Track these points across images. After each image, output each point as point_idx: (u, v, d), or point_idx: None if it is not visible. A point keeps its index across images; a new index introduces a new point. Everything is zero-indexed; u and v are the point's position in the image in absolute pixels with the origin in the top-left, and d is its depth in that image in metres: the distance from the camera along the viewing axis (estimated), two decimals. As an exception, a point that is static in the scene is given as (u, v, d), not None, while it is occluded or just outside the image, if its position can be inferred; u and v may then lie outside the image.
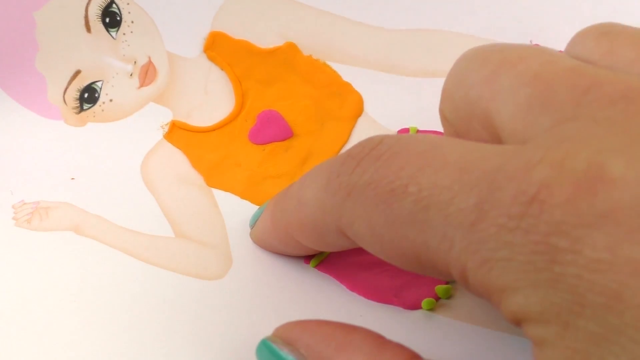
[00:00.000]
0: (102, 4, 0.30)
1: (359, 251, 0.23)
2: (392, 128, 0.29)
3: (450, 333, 0.23)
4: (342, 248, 0.22)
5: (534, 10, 0.30)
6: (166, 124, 0.30)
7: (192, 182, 0.29)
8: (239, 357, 0.23)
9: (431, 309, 0.24)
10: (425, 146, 0.19)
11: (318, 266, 0.25)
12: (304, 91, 0.30)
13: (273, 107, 0.30)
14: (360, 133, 0.30)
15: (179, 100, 0.31)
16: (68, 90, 0.31)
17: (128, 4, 0.31)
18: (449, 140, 0.19)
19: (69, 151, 0.30)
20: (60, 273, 0.26)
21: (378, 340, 0.19)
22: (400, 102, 0.30)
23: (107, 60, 0.31)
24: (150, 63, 0.31)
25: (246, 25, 0.31)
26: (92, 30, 0.31)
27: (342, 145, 0.29)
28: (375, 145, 0.20)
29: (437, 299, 0.24)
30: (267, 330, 0.21)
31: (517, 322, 0.17)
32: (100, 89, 0.31)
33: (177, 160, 0.29)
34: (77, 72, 0.31)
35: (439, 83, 0.30)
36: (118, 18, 0.31)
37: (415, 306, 0.24)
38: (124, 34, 0.31)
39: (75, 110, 0.30)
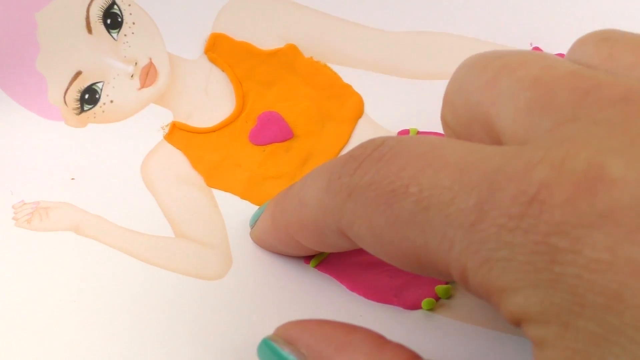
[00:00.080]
0: (104, 5, 0.30)
1: (359, 251, 0.23)
2: (393, 129, 0.29)
3: (450, 333, 0.23)
4: (342, 249, 0.22)
5: (534, 13, 0.31)
6: (167, 125, 0.30)
7: (192, 182, 0.29)
8: (239, 357, 0.23)
9: (431, 309, 0.24)
10: (426, 147, 0.19)
11: (318, 266, 0.25)
12: (305, 93, 0.31)
13: (273, 109, 0.30)
14: (361, 134, 0.30)
15: (179, 102, 0.31)
16: (69, 91, 0.31)
17: (129, 5, 0.31)
18: (449, 141, 0.19)
19: (70, 152, 0.30)
20: (60, 273, 0.26)
21: (378, 340, 0.19)
22: (400, 104, 0.30)
23: (108, 61, 0.31)
24: (151, 64, 0.31)
25: (247, 27, 0.31)
26: (93, 31, 0.31)
27: (342, 147, 0.29)
28: (376, 147, 0.20)
29: (437, 299, 0.24)
30: (267, 330, 0.21)
31: (516, 323, 0.17)
32: (101, 90, 0.31)
33: (177, 160, 0.29)
34: (78, 73, 0.31)
35: (439, 85, 0.30)
36: (119, 19, 0.31)
37: (415, 306, 0.24)
38: (125, 35, 0.31)
39: (75, 111, 0.30)
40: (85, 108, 0.30)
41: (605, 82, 0.17)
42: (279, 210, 0.24)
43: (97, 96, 0.31)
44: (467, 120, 0.20)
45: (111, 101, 0.31)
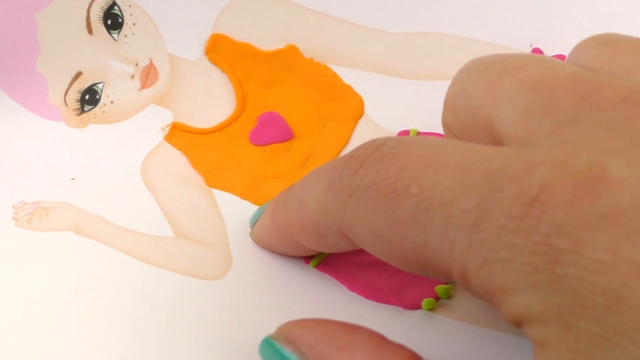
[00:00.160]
0: (104, 6, 0.30)
1: (359, 251, 0.23)
2: (393, 130, 0.29)
3: (450, 333, 0.23)
4: (343, 249, 0.22)
5: (534, 14, 0.31)
6: (167, 126, 0.30)
7: (193, 182, 0.29)
8: (239, 356, 0.23)
9: (431, 309, 0.24)
10: (427, 148, 0.19)
11: (318, 266, 0.25)
12: (305, 93, 0.31)
13: (274, 109, 0.30)
14: (361, 135, 0.30)
15: (179, 102, 0.31)
16: (69, 91, 0.31)
17: (130, 6, 0.31)
18: (450, 142, 0.19)
19: (70, 152, 0.30)
20: (60, 273, 0.26)
21: (379, 340, 0.19)
22: (400, 105, 0.30)
23: (109, 62, 0.31)
24: (151, 65, 0.31)
25: (247, 28, 0.31)
26: (93, 32, 0.31)
27: (343, 147, 0.29)
28: (377, 147, 0.20)
29: (437, 299, 0.24)
30: (267, 330, 0.21)
31: (517, 324, 0.16)
32: (102, 90, 0.31)
33: (177, 160, 0.29)
34: (79, 74, 0.31)
35: (439, 86, 0.30)
36: (120, 20, 0.31)
37: (415, 306, 0.24)
38: (125, 35, 0.31)
39: (76, 112, 0.31)
40: (85, 108, 0.31)
41: (605, 84, 0.18)
42: (279, 211, 0.24)
43: (97, 97, 0.31)
44: (468, 123, 0.20)
45: (111, 102, 0.31)
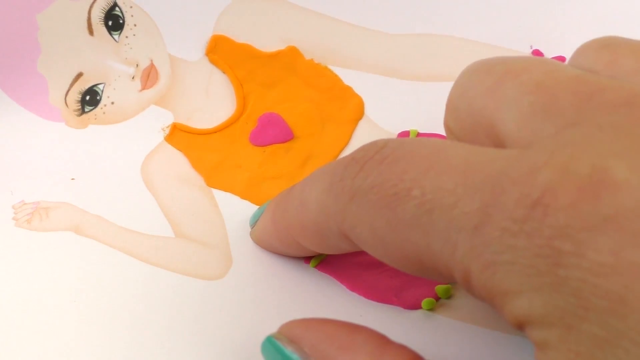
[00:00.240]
0: (105, 7, 0.31)
1: (359, 251, 0.23)
2: (393, 131, 0.29)
3: (450, 333, 0.23)
4: (344, 251, 0.22)
5: (535, 16, 0.31)
6: (167, 127, 0.30)
7: (193, 182, 0.29)
8: (238, 356, 0.23)
9: (431, 309, 0.24)
10: (429, 149, 0.19)
11: (318, 266, 0.25)
12: (305, 94, 0.31)
13: (274, 110, 0.30)
14: (361, 136, 0.30)
15: (180, 103, 0.31)
16: (70, 92, 0.31)
17: (131, 7, 0.31)
18: (452, 144, 0.19)
19: (70, 152, 0.30)
20: (60, 273, 0.26)
21: (381, 340, 0.19)
22: (400, 106, 0.30)
23: (109, 63, 0.31)
24: (152, 66, 0.31)
25: (248, 29, 0.31)
26: (94, 33, 0.31)
27: (343, 148, 0.29)
28: (378, 149, 0.20)
29: (437, 298, 0.24)
30: (267, 330, 0.21)
31: (520, 326, 0.16)
32: (102, 91, 0.31)
33: (177, 160, 0.29)
34: (79, 75, 0.31)
35: (439, 87, 0.30)
36: (121, 21, 0.31)
37: (415, 306, 0.24)
38: (126, 37, 0.31)
39: (76, 113, 0.31)
40: (86, 109, 0.31)
41: (608, 86, 0.18)
42: (279, 212, 0.24)
43: (98, 97, 0.31)
44: (470, 125, 0.20)
45: (112, 102, 0.31)
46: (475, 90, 0.20)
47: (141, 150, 0.30)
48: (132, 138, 0.30)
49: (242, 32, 0.31)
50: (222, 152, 0.30)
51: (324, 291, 0.25)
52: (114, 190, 0.28)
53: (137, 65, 0.31)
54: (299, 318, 0.21)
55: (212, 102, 0.31)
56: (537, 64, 0.19)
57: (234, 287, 0.25)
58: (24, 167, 0.29)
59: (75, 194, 0.28)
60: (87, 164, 0.29)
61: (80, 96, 0.31)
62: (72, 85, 0.31)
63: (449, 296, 0.24)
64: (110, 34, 0.31)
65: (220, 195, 0.28)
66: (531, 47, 0.30)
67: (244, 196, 0.28)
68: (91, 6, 0.30)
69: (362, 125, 0.30)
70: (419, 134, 0.29)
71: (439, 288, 0.24)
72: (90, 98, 0.31)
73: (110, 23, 0.31)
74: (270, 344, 0.21)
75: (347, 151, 0.29)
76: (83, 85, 0.31)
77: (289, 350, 0.20)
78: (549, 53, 0.30)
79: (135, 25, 0.31)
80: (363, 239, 0.20)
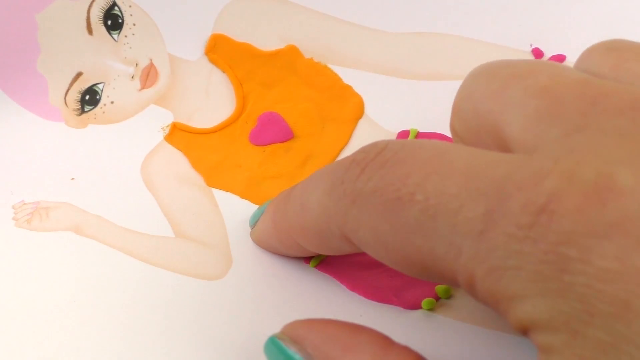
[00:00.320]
0: (104, 6, 0.31)
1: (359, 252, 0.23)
2: (393, 130, 0.29)
3: (450, 333, 0.23)
4: (345, 252, 0.22)
5: (535, 14, 0.31)
6: (167, 126, 0.30)
7: (193, 182, 0.29)
8: (238, 357, 0.23)
9: (431, 309, 0.24)
10: (431, 152, 0.19)
11: (318, 266, 0.25)
12: (305, 94, 0.31)
13: (274, 109, 0.30)
14: (361, 135, 0.30)
15: (180, 103, 0.31)
16: (69, 92, 0.31)
17: (130, 6, 0.31)
18: (454, 147, 0.19)
19: (70, 152, 0.30)
20: (60, 273, 0.26)
21: (384, 342, 0.19)
22: (400, 105, 0.30)
23: (109, 62, 0.31)
24: (151, 65, 0.31)
25: (248, 28, 0.31)
26: (93, 32, 0.31)
27: (343, 147, 0.29)
28: (379, 151, 0.20)
29: (437, 298, 0.24)
30: (267, 330, 0.21)
31: (524, 331, 0.17)
32: (102, 91, 0.31)
33: (177, 160, 0.29)
34: (79, 74, 0.31)
35: (439, 86, 0.30)
36: (120, 20, 0.31)
37: (415, 306, 0.24)
38: (125, 36, 0.31)
39: (76, 112, 0.31)
40: (85, 109, 0.31)
41: (613, 90, 0.18)
42: (280, 214, 0.24)
43: (97, 97, 0.31)
44: (475, 128, 0.20)
45: (112, 102, 0.31)
46: (481, 93, 0.20)
47: (141, 149, 0.30)
48: (131, 137, 0.30)
49: (241, 31, 0.31)
50: (221, 151, 0.30)
51: (324, 291, 0.25)
52: (114, 190, 0.28)
53: (136, 64, 0.31)
54: (300, 318, 0.21)
55: (212, 101, 0.31)
56: (542, 68, 0.19)
57: (234, 287, 0.25)
58: (24, 167, 0.29)
59: (75, 194, 0.28)
60: (87, 164, 0.29)
61: (80, 96, 0.31)
62: (71, 84, 0.31)
63: (449, 296, 0.24)
64: (110, 33, 0.31)
65: (220, 195, 0.28)
66: (531, 45, 0.30)
67: (243, 196, 0.28)
68: (90, 6, 0.30)
69: (362, 125, 0.30)
70: (418, 133, 0.29)
71: (439, 288, 0.24)
72: (90, 97, 0.31)
73: (109, 22, 0.31)
74: (273, 344, 0.21)
75: (347, 150, 0.29)
76: (82, 84, 0.31)
77: (292, 350, 0.20)
78: (549, 52, 0.30)
79: (134, 24, 0.31)
80: (365, 242, 0.20)
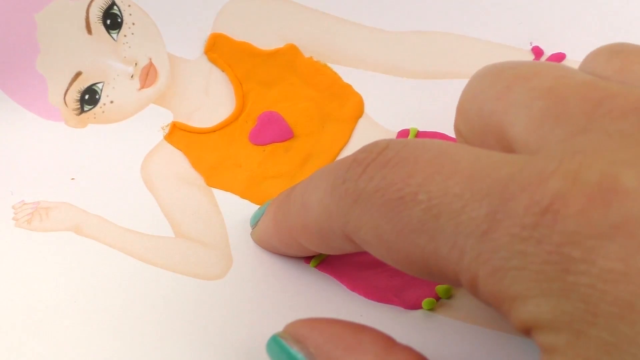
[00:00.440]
0: (103, 5, 0.30)
1: (360, 251, 0.23)
2: (393, 129, 0.29)
3: (450, 333, 0.23)
4: (347, 252, 0.22)
5: (534, 12, 0.30)
6: (167, 126, 0.30)
7: (192, 182, 0.29)
8: (238, 357, 0.23)
9: (431, 309, 0.24)
10: (434, 152, 0.19)
11: (318, 266, 0.25)
12: (305, 93, 0.31)
13: (274, 109, 0.30)
14: (361, 134, 0.30)
15: (179, 102, 0.31)
16: (69, 91, 0.31)
17: (129, 5, 0.31)
18: (457, 147, 0.19)
19: (70, 152, 0.30)
20: (60, 273, 0.26)
21: (387, 341, 0.19)
22: (400, 104, 0.30)
23: (108, 62, 0.31)
24: (151, 65, 0.31)
25: (247, 27, 0.31)
26: (93, 32, 0.31)
27: (343, 147, 0.29)
28: (381, 150, 0.20)
29: (438, 298, 0.24)
30: (267, 330, 0.21)
31: (526, 331, 0.17)
32: (101, 90, 0.31)
33: (177, 160, 0.29)
34: (78, 74, 0.31)
35: (439, 84, 0.30)
36: (119, 20, 0.31)
37: (416, 306, 0.24)
38: (125, 35, 0.31)
39: (75, 112, 0.31)
40: (85, 108, 0.31)
41: (617, 92, 0.18)
42: (281, 213, 0.24)
43: (97, 97, 0.31)
44: (480, 129, 0.20)
45: (111, 102, 0.31)
46: (486, 94, 0.20)
47: (141, 149, 0.30)
48: (131, 137, 0.30)
49: (241, 30, 0.31)
50: (221, 151, 0.30)
51: (324, 291, 0.25)
52: (114, 190, 0.28)
53: (136, 64, 0.31)
54: (299, 318, 0.21)
55: (212, 100, 0.31)
56: (547, 69, 0.19)
57: (234, 287, 0.25)
58: (24, 167, 0.29)
59: (75, 194, 0.28)
60: (87, 164, 0.29)
61: (80, 95, 0.31)
62: (71, 84, 0.31)
63: (449, 296, 0.24)
64: (109, 32, 0.31)
65: (220, 195, 0.28)
66: (531, 43, 0.30)
67: (243, 195, 0.28)
68: (89, 5, 0.30)
69: (361, 124, 0.30)
70: (418, 132, 0.29)
71: (440, 288, 0.24)
72: (90, 97, 0.31)
73: (108, 22, 0.31)
74: (276, 344, 0.21)
75: (347, 150, 0.29)
76: (82, 84, 0.31)
77: (294, 350, 0.20)
78: (549, 50, 0.30)
79: (133, 23, 0.31)
80: (367, 242, 0.20)
